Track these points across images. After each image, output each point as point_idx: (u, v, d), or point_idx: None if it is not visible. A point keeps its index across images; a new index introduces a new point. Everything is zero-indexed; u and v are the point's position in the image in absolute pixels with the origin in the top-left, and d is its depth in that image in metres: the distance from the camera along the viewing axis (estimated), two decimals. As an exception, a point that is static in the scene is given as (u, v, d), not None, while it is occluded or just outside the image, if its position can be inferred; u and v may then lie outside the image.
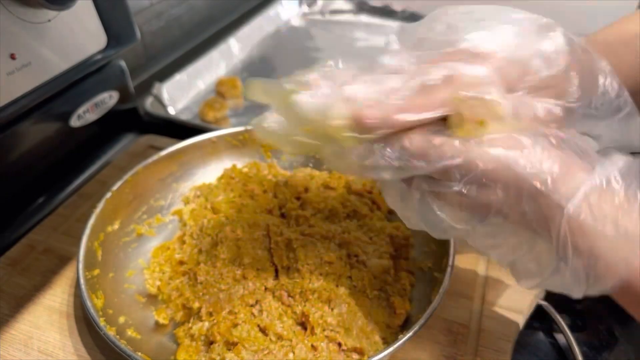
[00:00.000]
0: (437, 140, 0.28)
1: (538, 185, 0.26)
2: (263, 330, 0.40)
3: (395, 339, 0.37)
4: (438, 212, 0.30)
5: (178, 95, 0.77)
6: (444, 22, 0.31)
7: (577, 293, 0.28)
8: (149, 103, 0.73)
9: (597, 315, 0.46)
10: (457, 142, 0.27)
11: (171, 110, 0.75)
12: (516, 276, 0.32)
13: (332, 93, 0.29)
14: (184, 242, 0.49)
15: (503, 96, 0.28)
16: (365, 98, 0.28)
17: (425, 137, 0.28)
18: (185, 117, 0.75)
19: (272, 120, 0.32)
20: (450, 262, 0.42)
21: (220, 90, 0.80)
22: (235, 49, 0.90)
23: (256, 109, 0.77)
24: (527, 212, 0.27)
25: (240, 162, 0.58)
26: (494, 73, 0.28)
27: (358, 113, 0.28)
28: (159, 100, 0.75)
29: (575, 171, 0.27)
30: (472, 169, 0.27)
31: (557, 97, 0.30)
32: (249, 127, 0.32)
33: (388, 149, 0.28)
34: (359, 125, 0.28)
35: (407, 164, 0.28)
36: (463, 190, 0.28)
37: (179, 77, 0.78)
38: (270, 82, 0.32)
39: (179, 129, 0.68)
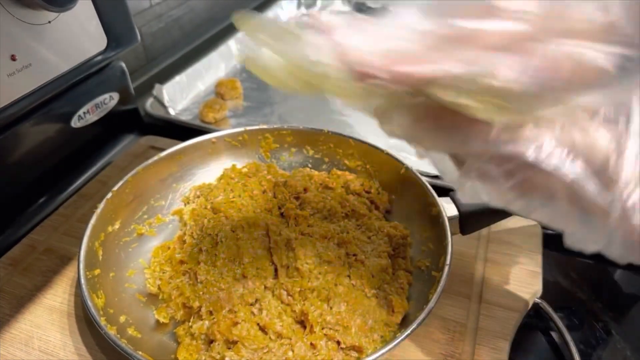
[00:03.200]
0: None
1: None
2: (263, 329, 0.41)
3: (394, 337, 0.37)
4: (485, 198, 0.26)
5: (178, 96, 0.77)
6: None
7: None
8: (149, 104, 0.73)
9: (593, 313, 0.46)
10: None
11: (171, 111, 0.75)
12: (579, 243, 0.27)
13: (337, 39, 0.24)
14: (184, 242, 0.50)
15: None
16: (366, 46, 0.23)
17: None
18: (185, 118, 0.75)
19: (268, 57, 0.27)
20: (447, 261, 0.42)
21: (219, 92, 0.80)
22: (235, 50, 0.91)
23: (256, 109, 0.78)
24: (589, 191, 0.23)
25: (239, 163, 0.58)
26: (532, 28, 0.22)
27: (353, 57, 0.23)
28: (159, 101, 0.75)
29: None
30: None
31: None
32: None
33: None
34: (355, 73, 0.23)
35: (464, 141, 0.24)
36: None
37: (179, 79, 0.78)
38: (267, 19, 0.27)
39: (179, 130, 0.68)
